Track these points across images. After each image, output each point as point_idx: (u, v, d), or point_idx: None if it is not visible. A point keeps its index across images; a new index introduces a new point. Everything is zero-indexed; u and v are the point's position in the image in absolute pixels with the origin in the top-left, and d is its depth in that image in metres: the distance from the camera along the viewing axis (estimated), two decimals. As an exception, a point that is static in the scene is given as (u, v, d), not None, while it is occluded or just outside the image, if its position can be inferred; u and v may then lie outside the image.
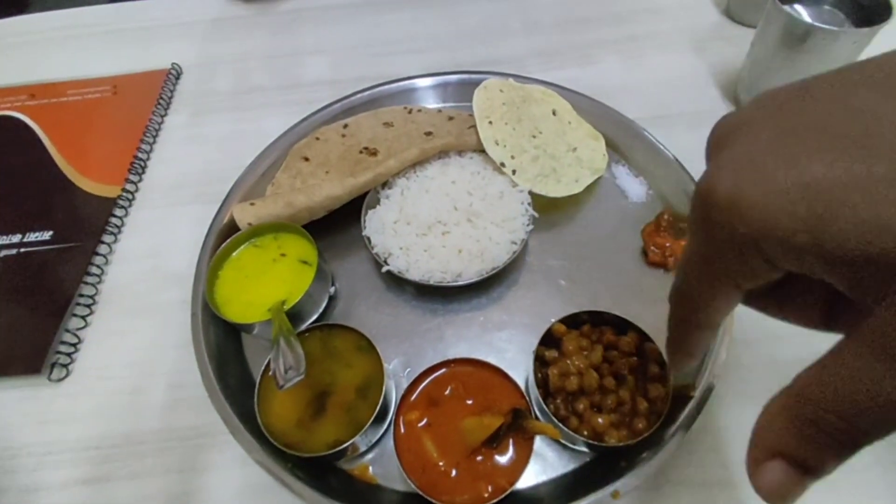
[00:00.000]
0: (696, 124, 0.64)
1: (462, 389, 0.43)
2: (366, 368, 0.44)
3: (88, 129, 0.70)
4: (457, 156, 0.58)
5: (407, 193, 0.55)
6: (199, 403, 0.46)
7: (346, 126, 0.63)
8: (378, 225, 0.53)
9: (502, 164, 0.55)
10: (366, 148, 0.60)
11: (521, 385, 0.43)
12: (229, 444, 0.43)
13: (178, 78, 0.76)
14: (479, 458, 0.40)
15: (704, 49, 0.74)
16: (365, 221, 0.54)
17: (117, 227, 0.60)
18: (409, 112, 0.65)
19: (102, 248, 0.58)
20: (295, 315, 0.47)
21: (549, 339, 0.45)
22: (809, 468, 0.20)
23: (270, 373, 0.42)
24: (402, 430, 0.42)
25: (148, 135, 0.68)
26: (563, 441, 0.44)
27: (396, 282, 0.53)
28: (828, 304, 0.27)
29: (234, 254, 0.51)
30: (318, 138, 0.62)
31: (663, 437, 0.41)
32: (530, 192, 0.55)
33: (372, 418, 0.41)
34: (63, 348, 0.51)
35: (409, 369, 0.49)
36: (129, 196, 0.63)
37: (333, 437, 0.41)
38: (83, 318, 0.53)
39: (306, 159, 0.60)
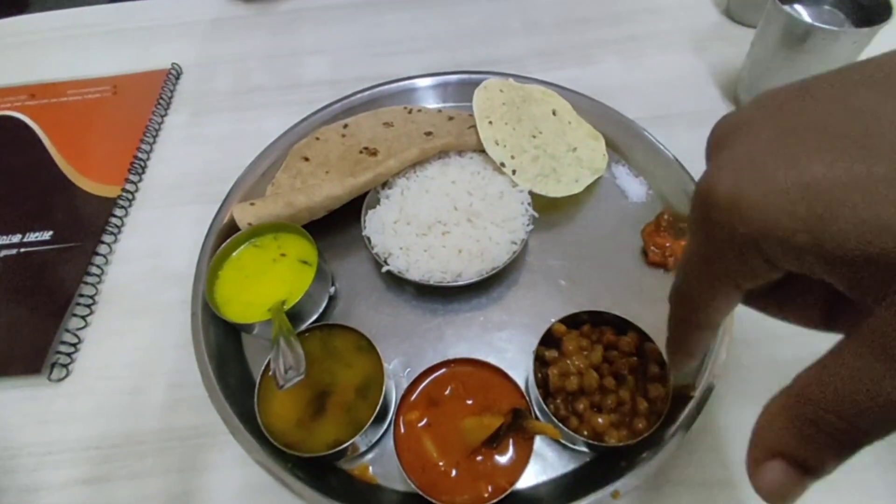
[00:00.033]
0: (696, 124, 0.64)
1: (462, 389, 0.43)
2: (366, 368, 0.44)
3: (88, 129, 0.70)
4: (457, 156, 0.58)
5: (407, 193, 0.55)
6: (199, 403, 0.46)
7: (346, 126, 0.63)
8: (378, 225, 0.53)
9: (502, 164, 0.55)
10: (366, 148, 0.60)
11: (521, 385, 0.43)
12: (229, 444, 0.43)
13: (178, 78, 0.76)
14: (479, 458, 0.40)
15: (704, 49, 0.74)
16: (365, 221, 0.54)
17: (117, 227, 0.60)
18: (409, 112, 0.65)
19: (102, 248, 0.58)
20: (295, 315, 0.47)
21: (549, 339, 0.45)
22: (809, 468, 0.20)
23: (270, 373, 0.42)
24: (402, 430, 0.42)
25: (148, 135, 0.68)
26: (563, 441, 0.44)
27: (396, 282, 0.53)
28: (828, 304, 0.27)
29: (234, 254, 0.51)
30: (318, 138, 0.62)
31: (663, 437, 0.41)
32: (530, 192, 0.55)
33: (372, 418, 0.41)
34: (63, 348, 0.51)
35: (409, 369, 0.49)
36: (129, 196, 0.63)
37: (333, 437, 0.41)
38: (83, 318, 0.53)
39: (306, 159, 0.60)
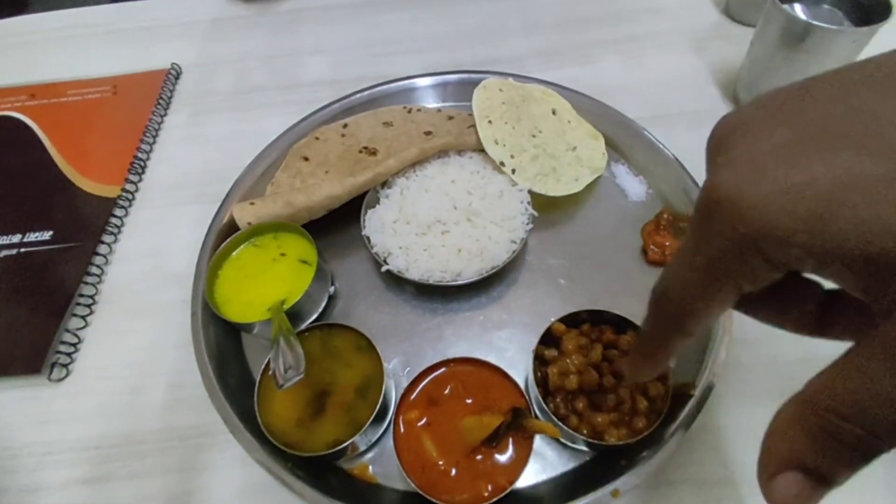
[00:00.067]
0: (696, 123, 0.64)
1: (462, 388, 0.43)
2: (365, 368, 0.44)
3: (88, 130, 0.70)
4: (456, 155, 0.58)
5: (406, 193, 0.55)
6: (199, 403, 0.46)
7: (345, 126, 0.63)
8: (378, 224, 0.53)
9: (502, 164, 0.55)
10: (365, 147, 0.60)
11: (521, 384, 0.43)
12: (229, 444, 0.43)
13: (177, 78, 0.76)
14: (479, 457, 0.40)
15: (704, 49, 0.74)
16: (364, 221, 0.54)
17: (117, 227, 0.60)
18: (409, 112, 0.65)
19: (102, 248, 0.58)
20: (295, 314, 0.47)
21: (549, 338, 0.45)
22: (824, 479, 0.19)
23: (270, 372, 0.42)
24: (402, 430, 0.42)
25: (148, 135, 0.68)
26: (562, 440, 0.44)
27: (396, 281, 0.54)
28: (820, 309, 0.26)
29: (233, 253, 0.51)
30: (317, 138, 0.62)
31: (663, 436, 0.41)
32: (530, 192, 0.55)
33: (371, 418, 0.41)
34: (63, 348, 0.51)
35: (408, 368, 0.49)
36: (129, 196, 0.63)
37: (333, 437, 0.41)
38: (83, 318, 0.53)
39: (306, 159, 0.60)
